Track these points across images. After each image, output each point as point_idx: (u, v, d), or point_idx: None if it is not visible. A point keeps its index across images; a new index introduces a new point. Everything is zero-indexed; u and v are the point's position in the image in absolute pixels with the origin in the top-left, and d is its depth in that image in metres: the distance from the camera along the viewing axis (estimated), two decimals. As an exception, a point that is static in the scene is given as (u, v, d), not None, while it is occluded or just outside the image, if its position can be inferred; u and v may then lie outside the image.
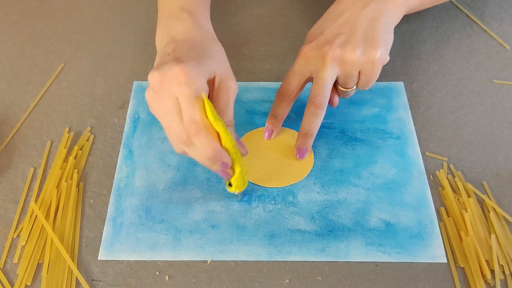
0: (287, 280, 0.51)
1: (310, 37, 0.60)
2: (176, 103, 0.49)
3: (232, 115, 0.53)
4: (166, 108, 0.49)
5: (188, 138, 0.49)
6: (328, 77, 0.56)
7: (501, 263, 0.52)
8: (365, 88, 0.59)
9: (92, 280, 0.51)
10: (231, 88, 0.53)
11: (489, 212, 0.55)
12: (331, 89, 0.57)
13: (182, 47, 0.53)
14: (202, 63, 0.51)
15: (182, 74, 0.48)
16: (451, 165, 0.60)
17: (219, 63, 0.54)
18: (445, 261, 0.52)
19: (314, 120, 0.57)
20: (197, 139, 0.49)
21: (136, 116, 0.64)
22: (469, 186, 0.57)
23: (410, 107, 0.66)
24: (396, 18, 0.60)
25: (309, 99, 0.57)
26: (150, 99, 0.51)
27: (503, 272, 0.51)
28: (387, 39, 0.58)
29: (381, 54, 0.56)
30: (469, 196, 0.57)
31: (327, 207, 0.56)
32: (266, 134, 0.61)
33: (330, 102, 0.60)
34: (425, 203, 0.57)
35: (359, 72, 0.57)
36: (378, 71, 0.57)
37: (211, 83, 0.53)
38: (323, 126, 0.63)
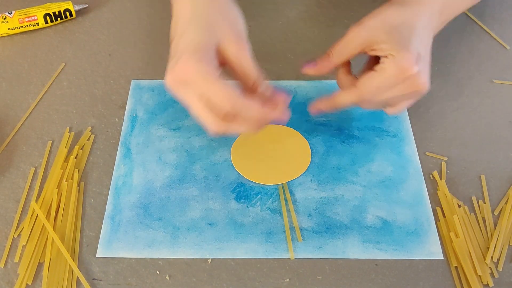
0: (287, 280, 0.51)
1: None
2: (196, 99, 0.48)
3: (255, 72, 0.51)
4: (194, 107, 0.48)
5: (226, 117, 0.48)
6: None
7: (498, 263, 0.52)
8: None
9: (93, 279, 0.51)
10: (240, 49, 0.50)
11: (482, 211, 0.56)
12: None
13: (181, 25, 0.50)
14: (204, 49, 0.48)
15: (187, 73, 0.46)
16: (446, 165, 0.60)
17: (220, 29, 0.50)
18: (442, 257, 0.52)
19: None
20: (242, 109, 0.47)
21: (134, 115, 0.64)
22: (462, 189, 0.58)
23: (410, 107, 0.66)
24: None
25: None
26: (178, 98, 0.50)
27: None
28: None
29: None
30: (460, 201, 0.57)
31: (324, 204, 0.56)
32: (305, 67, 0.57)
33: None
34: (422, 200, 0.57)
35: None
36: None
37: (220, 52, 0.50)
38: (319, 124, 0.63)
